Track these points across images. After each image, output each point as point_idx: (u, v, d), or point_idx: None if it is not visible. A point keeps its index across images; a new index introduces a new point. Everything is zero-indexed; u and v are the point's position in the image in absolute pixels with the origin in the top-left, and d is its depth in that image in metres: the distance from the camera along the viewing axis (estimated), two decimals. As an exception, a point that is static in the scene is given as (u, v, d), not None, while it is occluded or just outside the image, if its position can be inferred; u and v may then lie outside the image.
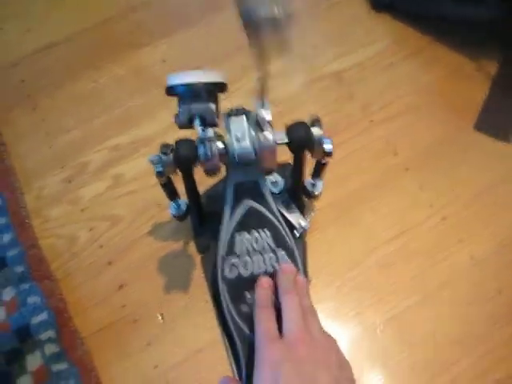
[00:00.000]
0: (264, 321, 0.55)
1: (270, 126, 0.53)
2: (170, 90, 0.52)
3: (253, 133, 0.53)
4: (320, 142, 0.56)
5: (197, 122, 0.52)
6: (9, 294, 0.69)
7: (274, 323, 0.54)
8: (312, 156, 0.58)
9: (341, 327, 0.67)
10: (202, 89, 0.51)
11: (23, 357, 0.65)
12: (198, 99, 0.52)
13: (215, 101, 0.54)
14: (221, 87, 0.53)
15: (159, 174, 0.56)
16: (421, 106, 0.85)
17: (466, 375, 0.63)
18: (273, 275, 0.61)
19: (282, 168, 0.73)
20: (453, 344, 0.65)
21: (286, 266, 0.60)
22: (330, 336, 0.55)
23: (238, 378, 0.62)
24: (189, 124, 0.53)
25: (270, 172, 0.59)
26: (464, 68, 0.88)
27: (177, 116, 0.54)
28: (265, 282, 0.59)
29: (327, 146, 0.57)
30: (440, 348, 0.65)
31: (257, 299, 0.58)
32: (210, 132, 0.53)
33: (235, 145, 0.54)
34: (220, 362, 0.65)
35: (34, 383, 0.64)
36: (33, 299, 0.68)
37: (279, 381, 0.47)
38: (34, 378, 0.64)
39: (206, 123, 0.53)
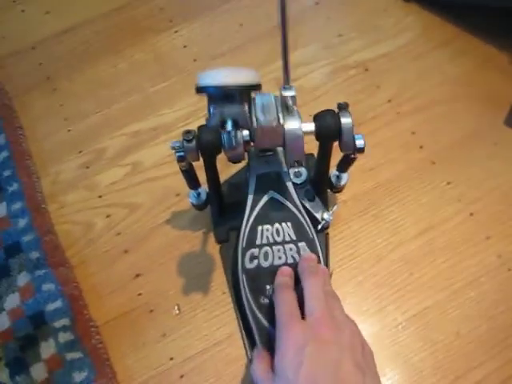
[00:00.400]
0: (285, 301, 0.53)
1: (296, 109, 0.51)
2: (201, 90, 0.49)
3: (280, 121, 0.51)
4: (348, 132, 0.53)
5: (229, 127, 0.49)
6: (23, 279, 0.68)
7: (295, 304, 0.52)
8: (341, 150, 0.55)
9: (362, 323, 0.64)
10: (236, 91, 0.49)
11: (37, 343, 0.64)
12: (230, 101, 0.50)
13: (248, 101, 0.51)
14: (255, 88, 0.50)
15: (180, 160, 0.54)
16: (449, 98, 0.82)
17: (490, 379, 0.61)
18: (293, 267, 0.59)
19: (305, 158, 0.71)
20: (478, 346, 0.63)
21: (308, 255, 0.59)
22: (352, 321, 0.53)
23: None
24: (220, 127, 0.51)
25: (298, 163, 0.57)
26: (495, 60, 0.85)
27: (207, 119, 0.51)
28: (285, 270, 0.58)
29: (359, 142, 0.54)
30: (464, 349, 0.63)
31: (276, 283, 0.57)
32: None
33: (260, 116, 0.51)
34: (237, 357, 0.63)
35: (48, 371, 0.63)
36: (47, 286, 0.67)
37: (304, 361, 0.46)
38: (48, 366, 0.63)
39: (239, 126, 0.50)
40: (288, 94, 0.50)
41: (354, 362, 0.47)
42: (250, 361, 0.60)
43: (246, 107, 0.50)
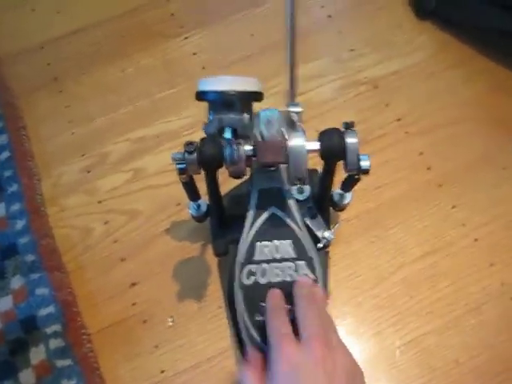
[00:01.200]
0: (277, 320, 0.52)
1: (301, 126, 0.50)
2: (201, 96, 0.48)
3: (284, 139, 0.50)
4: (354, 153, 0.52)
5: (228, 135, 0.49)
6: (17, 282, 0.67)
7: (288, 325, 0.51)
8: (345, 170, 0.54)
9: (359, 345, 0.64)
10: (236, 98, 0.48)
11: (28, 348, 0.63)
12: (230, 108, 0.48)
13: (249, 111, 0.50)
14: (256, 97, 0.49)
15: (181, 172, 0.53)
16: (460, 120, 0.80)
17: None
18: (289, 286, 0.58)
19: (308, 174, 0.70)
20: (478, 375, 0.62)
21: (303, 280, 0.57)
22: (345, 346, 0.52)
23: None
24: (218, 135, 0.50)
25: (299, 181, 0.55)
26: (508, 82, 0.84)
27: (206, 125, 0.50)
28: (276, 293, 0.56)
29: (364, 163, 0.52)
30: (463, 378, 0.61)
31: (268, 306, 0.55)
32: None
33: (264, 131, 0.50)
34: (230, 374, 0.62)
35: (36, 378, 0.62)
36: (41, 290, 0.66)
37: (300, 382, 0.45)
38: (36, 372, 0.62)
39: (238, 135, 0.49)
40: (294, 109, 0.49)
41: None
42: None
43: (247, 116, 0.49)
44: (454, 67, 0.86)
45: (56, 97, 0.87)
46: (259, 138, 0.50)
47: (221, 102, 0.48)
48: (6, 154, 0.78)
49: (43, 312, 0.65)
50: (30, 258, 0.69)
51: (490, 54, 0.86)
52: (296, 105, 0.49)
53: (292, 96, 0.48)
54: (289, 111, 0.49)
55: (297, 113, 0.49)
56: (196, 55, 0.90)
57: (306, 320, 0.50)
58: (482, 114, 0.81)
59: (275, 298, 0.56)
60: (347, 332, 0.64)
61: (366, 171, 0.53)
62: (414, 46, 0.89)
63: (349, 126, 0.52)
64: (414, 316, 0.65)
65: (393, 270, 0.68)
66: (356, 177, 0.56)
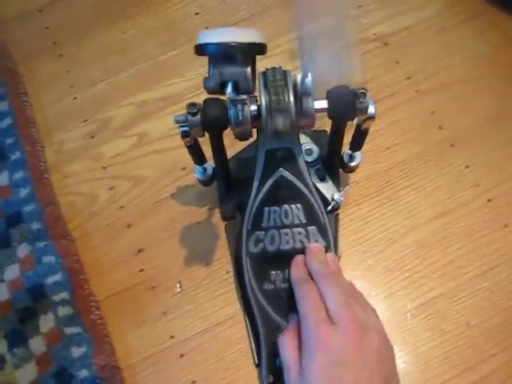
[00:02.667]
0: (309, 298, 0.52)
1: (311, 93, 0.48)
2: (200, 49, 0.45)
3: (291, 100, 0.48)
4: (363, 113, 0.50)
5: (229, 89, 0.46)
6: (23, 251, 0.67)
7: (319, 301, 0.51)
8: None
9: (370, 309, 0.63)
10: (237, 50, 0.45)
11: (37, 316, 0.63)
12: (231, 62, 0.46)
13: (252, 65, 0.47)
14: (259, 49, 0.46)
15: (184, 135, 0.51)
16: (473, 76, 0.77)
17: (500, 373, 0.59)
18: (301, 252, 0.57)
19: (317, 135, 0.68)
20: (489, 338, 0.61)
21: (315, 247, 0.56)
22: (375, 316, 0.54)
23: (256, 355, 0.59)
24: (220, 90, 0.47)
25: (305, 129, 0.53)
26: (523, 37, 0.80)
27: (206, 80, 0.47)
28: (299, 260, 0.56)
29: (370, 110, 0.51)
30: (474, 341, 0.61)
31: (294, 277, 0.55)
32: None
33: (271, 102, 0.48)
34: (239, 339, 0.62)
35: (46, 345, 0.62)
36: (48, 258, 0.66)
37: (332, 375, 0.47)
38: (46, 340, 0.62)
39: (240, 90, 0.47)
40: (306, 78, 0.47)
41: (384, 377, 0.47)
42: (256, 365, 0.60)
43: (249, 69, 0.46)
44: (467, 22, 0.82)
45: (56, 61, 0.85)
46: (264, 106, 0.48)
47: (221, 55, 0.45)
48: (7, 121, 0.77)
49: (50, 280, 0.64)
50: (35, 226, 0.68)
51: (504, 6, 0.82)
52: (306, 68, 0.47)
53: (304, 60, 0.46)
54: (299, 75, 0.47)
55: (305, 71, 0.47)
56: (198, 15, 0.87)
57: (332, 299, 0.50)
58: (496, 71, 0.78)
59: (300, 265, 0.56)
60: (358, 296, 0.64)
61: (371, 117, 0.51)
62: (425, 0, 0.85)
63: (360, 91, 0.50)
64: (425, 279, 0.64)
65: (404, 232, 0.67)
66: (363, 127, 0.54)
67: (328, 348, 0.47)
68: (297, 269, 0.55)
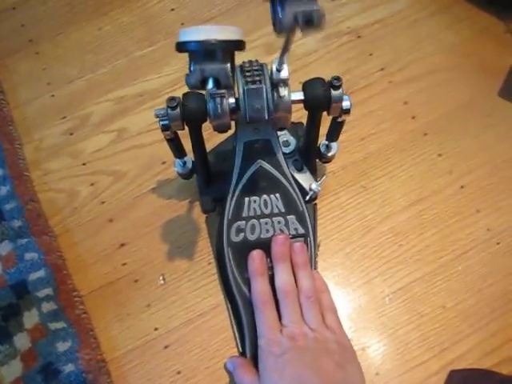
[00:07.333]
0: (259, 290, 0.56)
1: (287, 83, 0.49)
2: (181, 47, 0.46)
3: (268, 89, 0.49)
4: (338, 103, 0.52)
5: (210, 85, 0.47)
6: (5, 248, 0.67)
7: (269, 292, 0.56)
8: (328, 113, 0.54)
9: (349, 295, 0.65)
10: (218, 47, 0.46)
11: (20, 313, 0.63)
12: (211, 58, 0.46)
13: (231, 60, 0.48)
14: (238, 45, 0.48)
15: (164, 129, 0.52)
16: (444, 67, 0.80)
17: (475, 352, 0.61)
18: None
19: (294, 127, 0.70)
20: (464, 319, 0.63)
21: (281, 239, 0.58)
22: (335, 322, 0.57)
23: (240, 343, 0.61)
24: (201, 86, 0.48)
25: (282, 128, 0.55)
26: (492, 29, 0.82)
27: (187, 76, 0.48)
28: (256, 255, 0.58)
29: (345, 103, 0.52)
30: (450, 322, 0.63)
31: (250, 270, 0.58)
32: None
33: (248, 85, 0.49)
34: (222, 328, 0.63)
35: (31, 341, 0.62)
36: (30, 255, 0.66)
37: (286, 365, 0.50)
38: (31, 336, 0.62)
39: (221, 86, 0.48)
40: (281, 72, 0.48)
41: (333, 361, 0.51)
42: (241, 353, 0.61)
43: (229, 66, 0.47)
44: (437, 14, 0.84)
45: (32, 59, 0.84)
46: (242, 95, 0.49)
47: (202, 52, 0.46)
48: (-15, 120, 0.76)
49: (33, 276, 0.65)
50: (16, 223, 0.68)
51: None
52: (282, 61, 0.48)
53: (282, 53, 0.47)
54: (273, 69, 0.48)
55: (280, 62, 0.48)
56: (174, 11, 0.87)
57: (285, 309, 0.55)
58: (466, 61, 0.80)
59: (255, 259, 0.58)
60: (337, 283, 0.65)
61: (347, 111, 0.53)
62: (397, -7, 0.87)
63: (334, 80, 0.52)
64: (402, 264, 0.66)
65: (380, 220, 0.69)
66: (339, 119, 0.56)
67: (275, 357, 0.51)
68: (252, 262, 0.58)
